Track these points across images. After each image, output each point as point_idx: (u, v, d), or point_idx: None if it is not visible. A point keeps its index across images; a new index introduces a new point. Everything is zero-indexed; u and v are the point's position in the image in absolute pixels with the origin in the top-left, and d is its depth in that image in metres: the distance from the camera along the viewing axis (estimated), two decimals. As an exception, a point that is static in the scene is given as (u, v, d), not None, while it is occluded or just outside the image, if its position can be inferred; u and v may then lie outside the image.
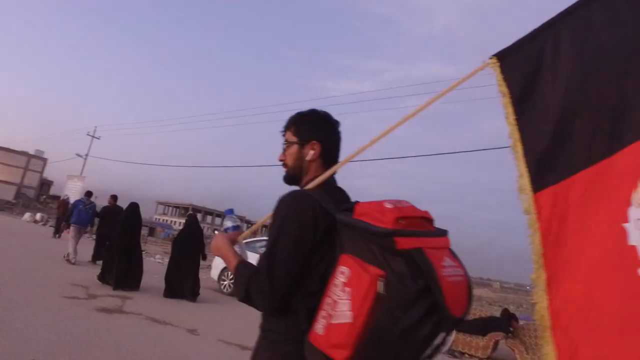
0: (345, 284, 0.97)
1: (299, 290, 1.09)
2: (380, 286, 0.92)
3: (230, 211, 1.39)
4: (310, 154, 1.27)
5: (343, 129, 1.36)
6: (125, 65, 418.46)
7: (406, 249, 0.94)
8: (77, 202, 9.61)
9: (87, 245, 10.64)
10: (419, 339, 0.92)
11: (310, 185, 1.23)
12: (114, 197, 9.31)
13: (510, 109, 1.30)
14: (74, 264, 8.60)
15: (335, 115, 1.36)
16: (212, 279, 9.59)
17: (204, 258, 8.14)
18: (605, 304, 1.09)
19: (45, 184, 53.79)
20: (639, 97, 1.14)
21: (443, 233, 1.09)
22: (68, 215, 9.47)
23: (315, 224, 1.10)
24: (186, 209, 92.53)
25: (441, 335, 0.96)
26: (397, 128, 1.36)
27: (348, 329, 0.93)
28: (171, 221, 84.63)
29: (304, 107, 1.35)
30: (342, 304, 0.96)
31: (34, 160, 49.86)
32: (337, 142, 1.33)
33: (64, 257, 8.85)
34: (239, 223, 1.35)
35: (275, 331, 1.14)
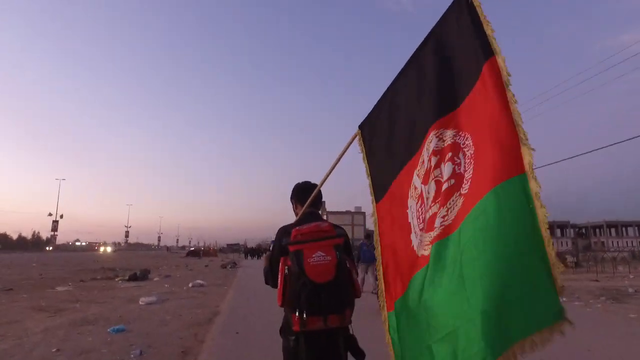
0: (278, 270, 2.02)
1: None
2: (286, 270, 1.96)
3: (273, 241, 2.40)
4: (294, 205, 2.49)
5: None
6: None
7: (292, 251, 1.97)
8: (362, 243, 11.23)
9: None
10: (308, 289, 1.86)
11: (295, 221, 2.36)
12: (367, 236, 11.51)
13: (365, 162, 2.19)
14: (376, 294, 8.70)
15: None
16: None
17: None
18: (397, 249, 1.93)
19: (369, 235, 63.13)
20: (419, 124, 1.85)
21: (330, 237, 2.00)
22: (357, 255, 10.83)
23: (280, 243, 2.15)
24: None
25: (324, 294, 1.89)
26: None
27: (278, 291, 1.97)
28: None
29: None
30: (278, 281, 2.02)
31: (356, 215, 62.00)
32: (305, 197, 2.36)
33: (372, 291, 9.48)
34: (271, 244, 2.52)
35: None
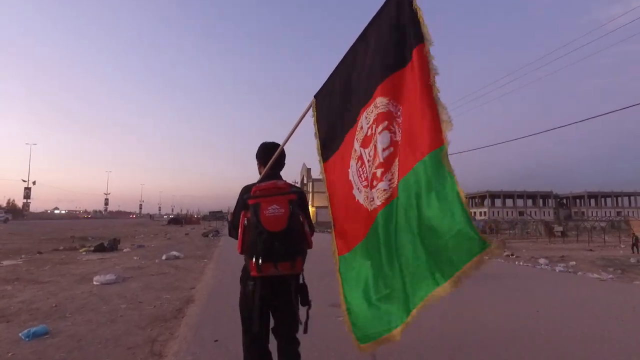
0: (240, 223, 2.21)
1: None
2: (245, 221, 2.16)
3: None
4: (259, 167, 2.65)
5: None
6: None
7: (251, 204, 2.14)
8: None
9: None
10: (263, 238, 2.06)
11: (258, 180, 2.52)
12: None
13: (315, 126, 2.49)
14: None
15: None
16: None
17: None
18: (341, 207, 2.31)
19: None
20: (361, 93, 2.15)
21: (285, 193, 2.19)
22: None
23: (242, 198, 2.33)
24: (482, 197, 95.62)
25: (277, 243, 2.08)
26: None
27: (239, 240, 2.18)
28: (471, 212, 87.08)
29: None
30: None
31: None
32: (267, 158, 2.53)
33: None
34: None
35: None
